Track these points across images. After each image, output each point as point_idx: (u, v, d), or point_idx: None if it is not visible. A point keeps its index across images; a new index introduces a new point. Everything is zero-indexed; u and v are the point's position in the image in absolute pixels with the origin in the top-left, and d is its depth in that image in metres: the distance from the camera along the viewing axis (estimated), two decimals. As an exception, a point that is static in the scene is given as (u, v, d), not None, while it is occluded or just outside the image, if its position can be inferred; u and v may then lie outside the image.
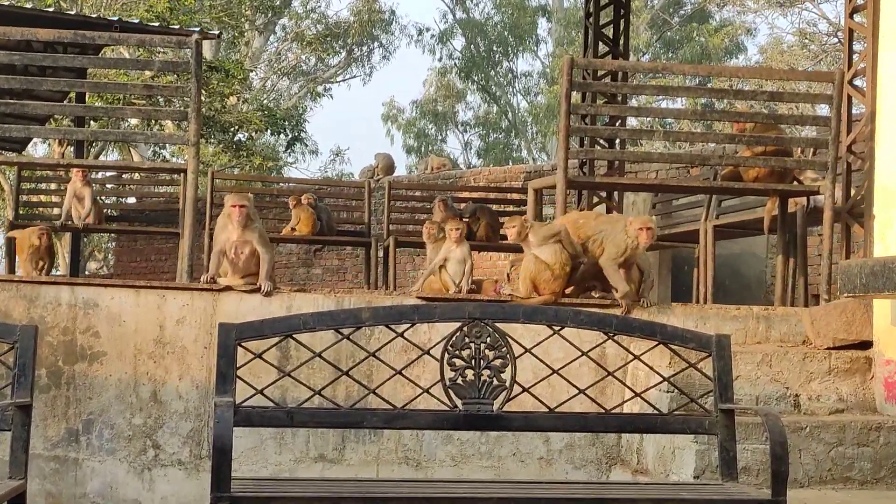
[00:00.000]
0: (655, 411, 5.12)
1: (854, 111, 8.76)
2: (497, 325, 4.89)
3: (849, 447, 6.31)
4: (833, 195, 8.06)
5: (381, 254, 12.21)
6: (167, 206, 12.79)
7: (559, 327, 5.01)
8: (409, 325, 4.99)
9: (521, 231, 7.53)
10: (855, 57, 8.50)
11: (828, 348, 6.95)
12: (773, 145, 8.56)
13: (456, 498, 4.98)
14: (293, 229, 11.88)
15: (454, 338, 4.84)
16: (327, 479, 6.37)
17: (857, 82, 8.47)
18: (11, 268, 10.45)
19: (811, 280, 9.85)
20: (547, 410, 4.90)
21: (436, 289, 8.76)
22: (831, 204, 8.06)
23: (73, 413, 6.74)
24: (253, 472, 6.68)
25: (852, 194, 8.34)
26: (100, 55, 14.05)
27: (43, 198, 12.71)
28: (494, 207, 12.19)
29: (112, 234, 23.29)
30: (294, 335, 4.94)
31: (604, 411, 5.00)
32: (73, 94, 13.67)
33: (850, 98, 8.40)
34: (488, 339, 4.85)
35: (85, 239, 23.37)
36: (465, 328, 4.86)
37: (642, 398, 5.14)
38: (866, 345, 6.90)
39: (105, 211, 12.81)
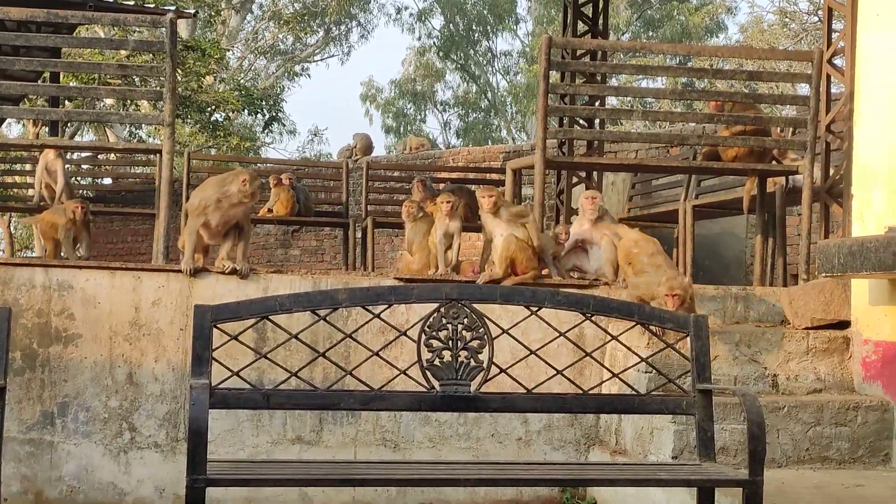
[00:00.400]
0: (633, 392, 5.11)
1: (834, 90, 8.75)
2: (474, 305, 4.87)
3: (826, 427, 6.32)
4: (812, 175, 8.06)
5: (359, 235, 12.16)
6: (143, 186, 12.69)
7: (537, 308, 4.99)
8: (385, 306, 4.97)
9: (497, 202, 7.52)
10: (834, 36, 8.49)
11: (806, 328, 6.95)
12: (752, 125, 8.55)
13: (433, 479, 4.97)
14: (270, 210, 11.80)
15: (431, 319, 4.82)
16: (304, 460, 6.34)
17: (837, 62, 8.46)
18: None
19: (791, 260, 9.86)
20: (525, 391, 4.89)
21: (414, 269, 8.73)
22: (810, 183, 8.05)
23: (48, 396, 6.68)
24: (230, 455, 6.64)
25: (831, 174, 8.33)
26: (73, 34, 13.91)
27: (18, 178, 12.60)
28: (473, 188, 12.14)
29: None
30: (270, 317, 4.91)
31: (582, 392, 4.98)
32: (47, 74, 13.55)
33: (829, 77, 8.39)
34: (466, 321, 4.84)
35: (61, 220, 23.21)
36: (442, 309, 4.84)
37: (620, 379, 5.13)
38: (844, 324, 6.91)
39: (80, 192, 12.71)
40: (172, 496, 6.65)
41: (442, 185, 11.98)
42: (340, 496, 6.82)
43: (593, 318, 5.17)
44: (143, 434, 6.76)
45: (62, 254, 9.08)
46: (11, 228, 26.47)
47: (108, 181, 14.20)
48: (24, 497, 6.59)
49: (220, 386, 4.66)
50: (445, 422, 6.96)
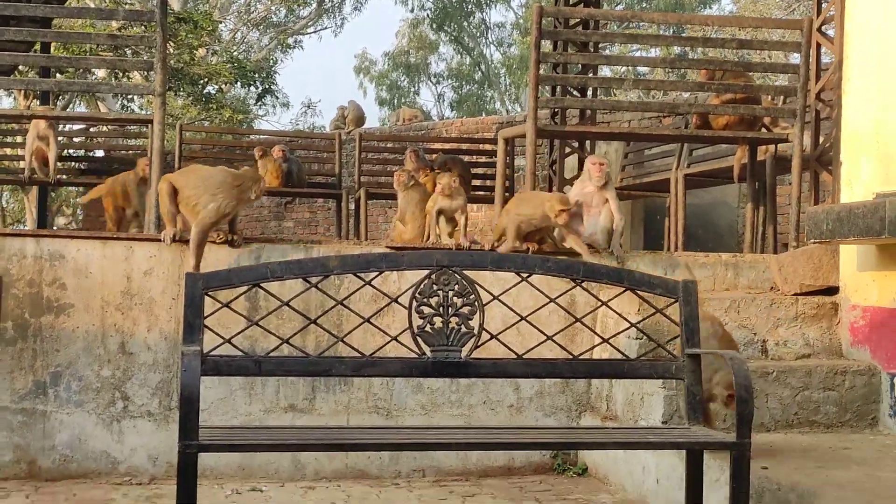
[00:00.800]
0: (624, 357, 5.14)
1: (825, 60, 8.75)
2: (465, 272, 4.90)
3: (815, 391, 6.37)
4: (801, 143, 8.08)
5: (352, 206, 12.18)
6: (135, 157, 12.67)
7: (527, 274, 5.02)
8: (376, 272, 4.99)
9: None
10: (825, 5, 8.48)
11: (795, 294, 6.99)
12: (742, 93, 8.56)
13: (424, 443, 5.01)
14: (259, 181, 11.80)
15: (422, 285, 4.85)
16: (296, 426, 6.38)
17: (829, 31, 8.46)
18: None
19: (782, 229, 9.90)
20: (516, 357, 4.92)
21: (407, 239, 8.75)
22: (800, 152, 8.08)
23: (40, 365, 6.70)
24: (223, 423, 6.67)
25: (821, 142, 8.36)
26: (64, 5, 13.86)
27: (9, 151, 12.56)
28: (466, 159, 12.16)
29: (80, 189, 23.06)
30: (262, 284, 4.93)
31: (572, 357, 5.02)
32: (37, 46, 13.51)
33: (818, 46, 8.39)
34: (456, 287, 4.87)
35: (52, 194, 23.15)
36: (433, 276, 4.87)
37: (611, 345, 5.16)
38: (833, 290, 6.95)
39: (73, 164, 12.69)
40: (166, 464, 6.68)
41: (435, 156, 11.99)
42: (333, 463, 6.86)
43: (583, 284, 5.20)
44: (135, 403, 6.79)
45: (133, 213, 9.05)
46: (3, 202, 26.43)
47: (100, 153, 14.19)
48: (17, 466, 6.62)
49: (212, 353, 4.69)
50: (437, 389, 7.00)
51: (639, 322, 5.37)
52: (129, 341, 6.80)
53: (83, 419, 6.73)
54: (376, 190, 11.81)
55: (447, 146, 14.05)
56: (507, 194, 9.81)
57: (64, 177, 11.80)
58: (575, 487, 6.60)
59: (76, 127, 13.25)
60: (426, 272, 4.87)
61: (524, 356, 4.93)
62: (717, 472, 5.20)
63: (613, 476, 6.53)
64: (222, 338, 4.77)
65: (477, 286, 4.87)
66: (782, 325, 6.79)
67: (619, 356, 5.18)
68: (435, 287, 4.86)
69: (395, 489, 6.56)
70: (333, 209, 13.58)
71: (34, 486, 6.44)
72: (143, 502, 6.06)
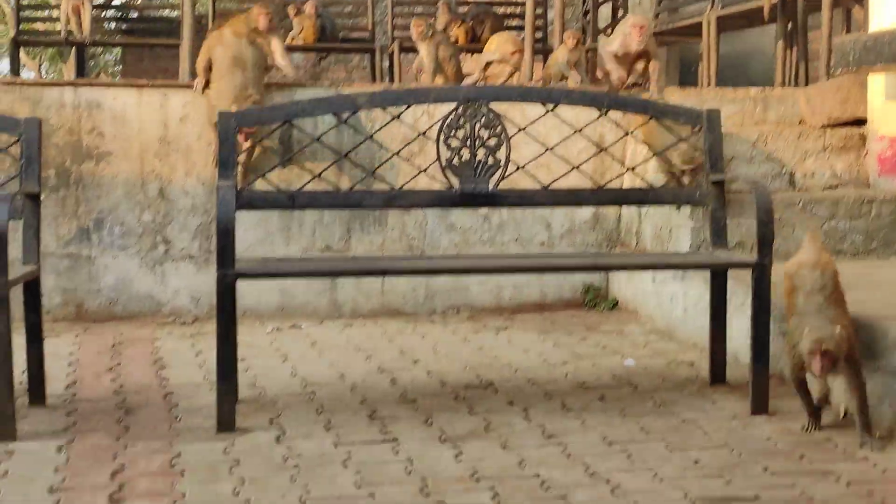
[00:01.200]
0: (649, 186, 5.24)
1: None
2: (491, 105, 4.97)
3: (841, 221, 6.43)
4: (833, -24, 7.99)
5: (386, 63, 12.18)
6: (170, 17, 12.72)
7: (553, 106, 5.08)
8: (405, 106, 5.08)
9: None
10: None
11: (822, 126, 7.01)
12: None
13: (455, 268, 5.16)
14: (293, 39, 11.81)
15: (449, 119, 4.93)
16: (329, 257, 6.56)
17: None
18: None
19: (815, 73, 9.82)
20: (542, 187, 5.02)
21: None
22: (831, -14, 7.99)
23: (83, 211, 6.89)
24: (262, 264, 6.85)
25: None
26: None
27: (41, 13, 12.59)
28: (500, 11, 12.07)
29: (117, 56, 23.09)
30: (293, 121, 5.04)
31: (598, 186, 5.11)
32: None
33: None
34: (483, 120, 4.94)
35: (91, 62, 23.20)
36: (459, 109, 4.94)
37: (636, 175, 5.24)
38: (860, 122, 6.96)
39: (109, 26, 12.73)
40: (208, 305, 6.89)
41: (467, 9, 11.92)
42: (370, 303, 7.05)
43: (609, 115, 5.26)
44: (176, 246, 6.98)
45: None
46: (42, 72, 26.56)
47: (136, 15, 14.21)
48: (65, 308, 6.87)
49: (247, 189, 4.82)
50: (469, 228, 7.13)
51: (663, 150, 5.45)
52: (168, 187, 6.96)
53: (127, 263, 6.94)
54: (410, 44, 11.78)
55: (480, -1, 13.91)
56: (537, 44, 9.80)
57: (99, 37, 11.84)
58: (605, 320, 6.77)
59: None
60: (453, 105, 4.95)
61: (550, 186, 5.02)
62: (741, 297, 5.31)
63: (643, 308, 6.68)
64: (255, 174, 4.91)
65: (503, 119, 4.95)
66: (810, 156, 6.83)
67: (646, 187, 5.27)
68: (462, 120, 4.94)
69: (431, 324, 6.75)
70: (368, 69, 13.57)
71: (83, 326, 6.69)
72: (188, 339, 6.28)
